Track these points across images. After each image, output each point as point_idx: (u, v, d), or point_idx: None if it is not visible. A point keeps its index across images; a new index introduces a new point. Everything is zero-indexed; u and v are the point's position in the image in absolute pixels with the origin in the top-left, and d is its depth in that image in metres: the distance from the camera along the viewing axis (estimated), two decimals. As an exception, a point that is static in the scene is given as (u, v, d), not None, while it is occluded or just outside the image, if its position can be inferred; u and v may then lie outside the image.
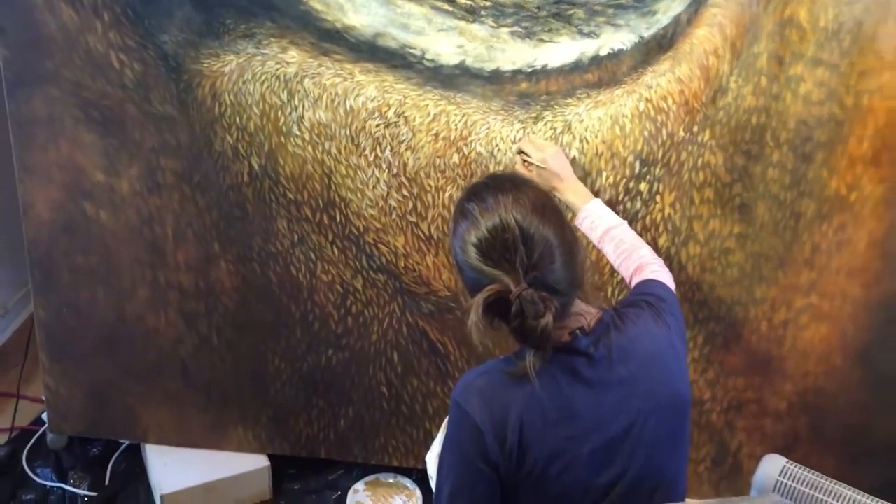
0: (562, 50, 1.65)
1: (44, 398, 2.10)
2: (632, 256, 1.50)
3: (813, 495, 1.54)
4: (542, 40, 1.66)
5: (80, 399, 2.04)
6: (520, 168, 1.65)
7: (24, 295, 2.68)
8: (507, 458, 1.15)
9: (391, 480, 2.10)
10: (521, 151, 1.66)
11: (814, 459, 1.74)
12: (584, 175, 1.71)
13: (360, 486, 2.08)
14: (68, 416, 2.07)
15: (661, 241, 1.75)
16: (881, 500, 1.50)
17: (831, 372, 1.80)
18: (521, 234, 1.13)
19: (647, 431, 1.18)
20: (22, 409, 2.30)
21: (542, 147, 1.65)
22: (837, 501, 1.52)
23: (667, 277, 1.43)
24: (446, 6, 1.66)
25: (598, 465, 1.18)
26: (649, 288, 1.37)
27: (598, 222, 1.57)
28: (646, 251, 1.51)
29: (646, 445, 1.18)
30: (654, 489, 1.21)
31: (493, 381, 1.18)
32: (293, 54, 1.71)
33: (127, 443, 2.17)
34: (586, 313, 1.22)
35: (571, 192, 1.62)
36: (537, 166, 1.62)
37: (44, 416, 2.18)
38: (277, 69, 1.72)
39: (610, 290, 1.79)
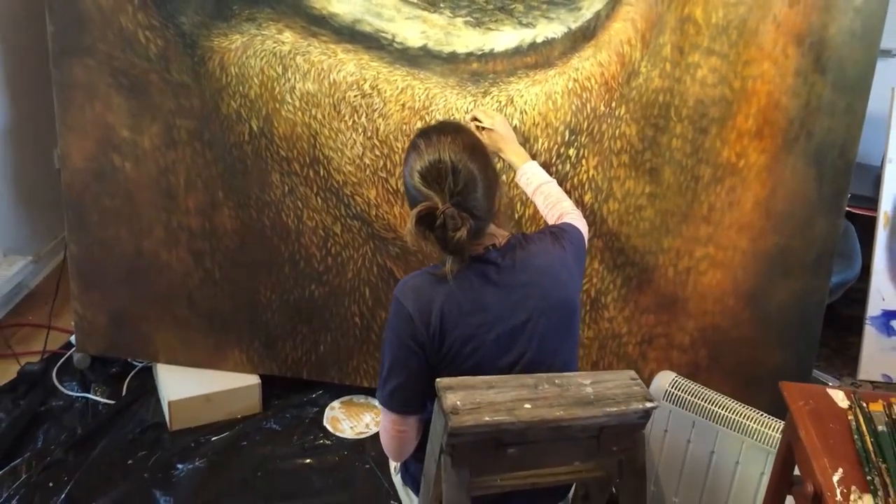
0: (505, 37, 2.02)
1: (73, 324, 2.48)
2: (555, 207, 1.84)
3: (692, 401, 1.91)
4: (489, 29, 2.02)
5: (103, 323, 2.41)
6: (473, 130, 2.01)
7: (54, 245, 3.06)
8: (431, 339, 1.51)
9: (362, 400, 2.47)
10: (474, 118, 2.02)
11: (713, 386, 2.07)
12: (524, 141, 2.07)
13: (336, 403, 2.45)
14: (93, 337, 2.44)
15: (587, 198, 2.11)
16: (740, 403, 1.87)
17: (726, 311, 2.15)
18: (451, 167, 1.48)
19: (541, 324, 1.54)
20: (52, 338, 2.69)
21: (491, 115, 2.01)
22: (708, 404, 1.88)
23: (580, 224, 1.78)
24: (412, -1, 2.03)
25: (501, 349, 1.53)
26: (558, 225, 1.74)
27: (532, 179, 1.92)
28: (567, 204, 1.86)
29: (539, 335, 1.54)
30: (547, 370, 1.56)
31: (423, 281, 1.54)
32: (287, 35, 2.08)
33: (141, 364, 2.55)
34: (499, 235, 1.57)
35: (513, 153, 1.97)
36: (487, 130, 1.98)
37: (72, 339, 2.57)
38: (274, 47, 2.09)
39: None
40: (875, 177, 2.80)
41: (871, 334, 2.67)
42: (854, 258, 2.54)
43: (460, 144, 1.52)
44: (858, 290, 2.71)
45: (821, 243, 2.04)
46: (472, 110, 2.05)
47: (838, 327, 2.80)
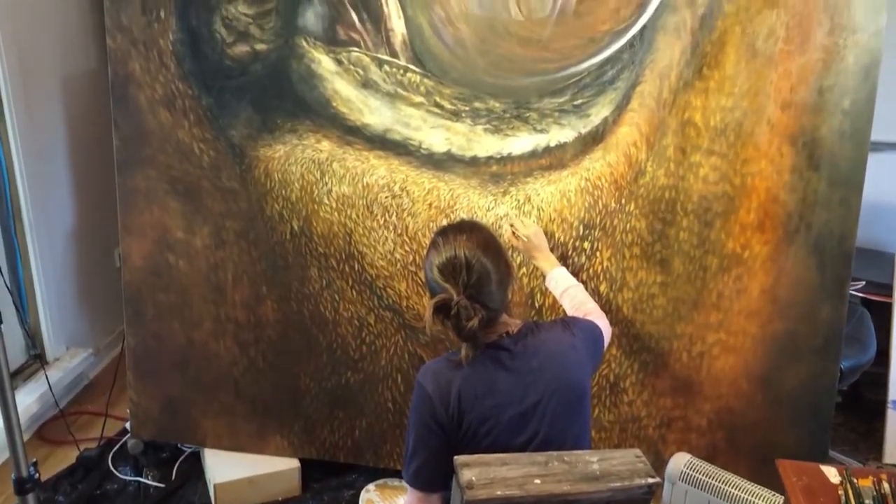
0: (522, 142, 2.22)
1: (128, 411, 2.66)
2: (581, 308, 1.99)
3: (707, 481, 2.00)
4: (507, 135, 2.22)
5: (155, 410, 2.59)
6: (509, 236, 2.17)
7: (113, 338, 3.28)
8: (450, 419, 1.65)
9: (396, 483, 2.57)
10: (512, 225, 2.20)
11: (732, 467, 2.15)
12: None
13: (371, 486, 2.55)
14: (146, 424, 2.61)
15: (602, 287, 2.25)
16: (752, 483, 1.95)
17: (740, 394, 2.24)
18: (465, 262, 1.65)
19: (551, 406, 1.66)
20: (109, 425, 2.87)
21: (528, 226, 2.18)
22: (721, 484, 1.97)
23: (602, 323, 1.90)
24: (436, 110, 2.24)
25: (515, 429, 1.66)
26: (571, 316, 1.89)
27: (560, 284, 2.08)
28: (592, 306, 2.01)
29: (550, 416, 1.66)
30: (558, 448, 1.68)
31: (442, 366, 1.69)
32: (325, 144, 2.31)
33: (190, 449, 2.71)
34: (512, 323, 1.73)
35: (544, 260, 2.15)
36: (522, 238, 2.16)
37: (127, 425, 2.75)
38: (313, 155, 2.31)
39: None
40: (891, 264, 2.89)
41: (894, 418, 2.71)
42: (868, 343, 2.62)
43: (475, 242, 1.69)
44: (882, 375, 2.77)
45: (827, 328, 2.14)
46: (511, 219, 2.22)
47: (864, 412, 2.84)
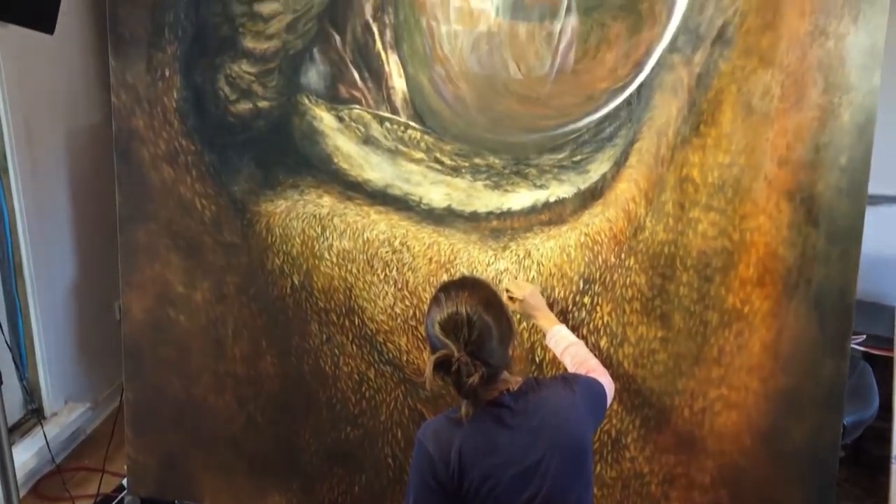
0: (521, 197, 2.23)
1: (126, 467, 2.64)
2: (582, 366, 1.98)
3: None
4: (507, 190, 2.24)
5: (153, 466, 2.57)
6: (506, 300, 2.17)
7: (111, 391, 3.26)
8: (451, 478, 1.63)
9: (396, 541, 2.55)
10: (507, 290, 2.20)
11: (736, 526, 2.14)
12: (542, 290, 2.24)
13: (370, 544, 2.53)
14: (144, 480, 2.59)
15: (603, 342, 2.25)
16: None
17: (743, 451, 2.22)
18: (467, 319, 1.65)
19: (553, 464, 1.65)
20: (105, 481, 2.84)
21: (523, 287, 2.18)
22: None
23: (604, 380, 1.89)
24: (437, 166, 2.26)
25: (517, 487, 1.65)
26: (572, 372, 1.88)
27: (560, 342, 2.08)
28: (594, 363, 1.99)
29: (552, 474, 1.65)
30: (560, 507, 1.67)
31: (442, 424, 1.68)
32: (326, 200, 2.32)
33: (187, 505, 2.68)
34: (513, 381, 1.72)
35: (543, 318, 2.14)
36: (519, 301, 2.16)
37: (124, 482, 2.72)
38: (314, 210, 2.33)
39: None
40: (892, 317, 2.89)
41: (898, 473, 2.69)
42: (871, 398, 2.60)
43: (476, 298, 1.69)
44: (886, 430, 2.75)
45: (829, 383, 2.13)
46: (506, 283, 2.22)
47: (868, 467, 2.82)
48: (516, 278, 2.22)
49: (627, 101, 2.14)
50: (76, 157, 2.96)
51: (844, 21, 1.97)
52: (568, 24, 2.13)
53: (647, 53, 2.11)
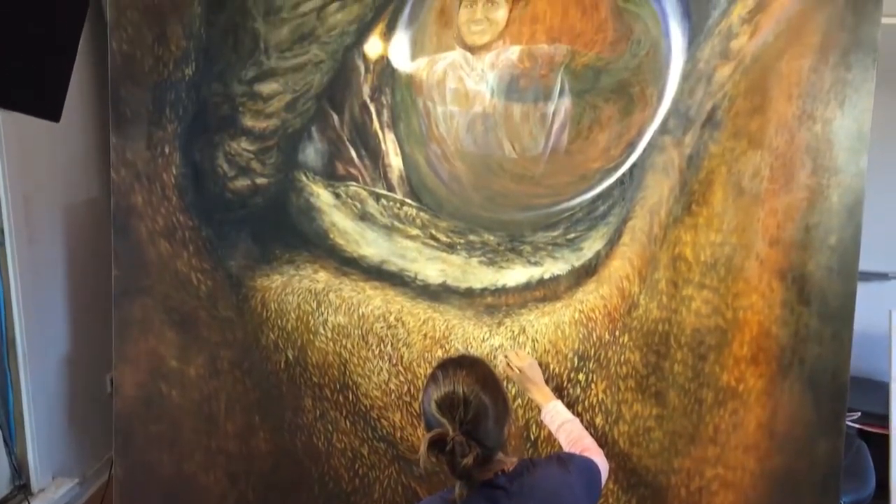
0: (516, 274, 2.25)
1: (111, 545, 2.58)
2: (577, 444, 1.97)
3: None
4: (501, 267, 2.26)
5: (140, 545, 2.52)
6: (504, 368, 2.18)
7: (100, 466, 3.21)
8: (445, 559, 1.61)
9: None
10: (506, 356, 2.20)
11: None
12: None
13: None
14: (130, 559, 2.54)
15: (598, 420, 2.24)
16: None
17: (741, 532, 2.20)
18: (463, 399, 1.65)
19: (549, 545, 1.64)
20: (90, 559, 2.78)
21: (523, 358, 2.19)
22: None
23: (598, 459, 1.88)
24: (432, 242, 2.28)
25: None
26: (567, 451, 1.87)
27: (556, 418, 2.07)
28: (589, 441, 1.98)
29: (548, 555, 1.63)
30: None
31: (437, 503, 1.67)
32: (322, 275, 2.34)
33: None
34: (508, 462, 1.71)
35: (539, 393, 2.14)
36: (518, 371, 2.16)
37: (109, 560, 2.66)
38: (310, 285, 2.34)
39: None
40: (886, 393, 2.89)
41: (898, 553, 2.65)
42: (867, 476, 2.58)
43: (474, 378, 1.69)
44: (884, 508, 2.73)
45: (825, 463, 2.12)
46: (506, 350, 2.23)
47: (867, 546, 2.78)
48: (517, 351, 2.22)
49: (620, 181, 2.18)
50: (73, 230, 2.97)
51: (831, 106, 2.03)
52: (561, 106, 2.18)
53: (639, 135, 2.16)
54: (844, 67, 2.00)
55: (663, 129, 2.13)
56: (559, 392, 2.20)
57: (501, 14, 2.18)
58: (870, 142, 2.02)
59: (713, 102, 2.09)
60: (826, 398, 2.10)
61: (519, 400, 2.25)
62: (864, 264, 2.10)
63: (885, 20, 2.05)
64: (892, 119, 2.77)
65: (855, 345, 2.10)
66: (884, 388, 2.96)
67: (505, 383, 2.14)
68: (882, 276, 2.94)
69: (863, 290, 2.10)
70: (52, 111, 1.39)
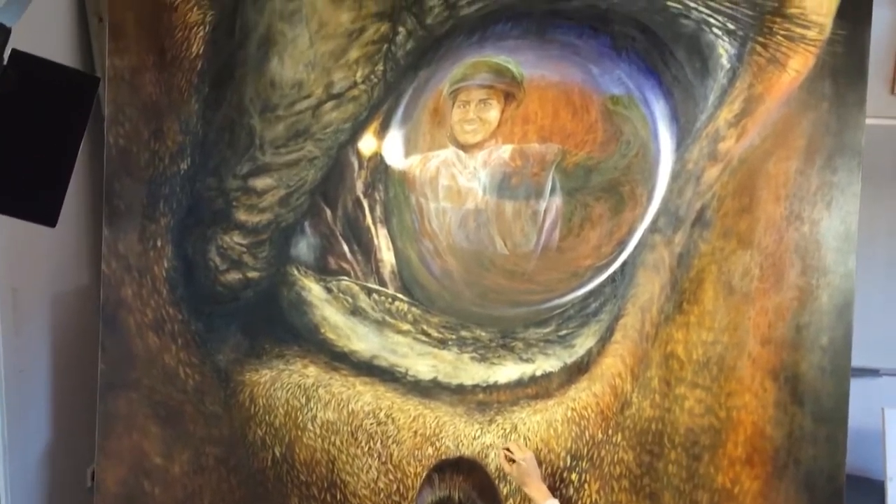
0: (508, 371, 2.23)
1: None
2: None
3: None
4: (493, 363, 2.24)
5: None
6: (502, 461, 2.13)
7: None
8: None
9: None
10: (506, 448, 2.16)
11: None
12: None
13: None
14: None
15: (591, 522, 2.19)
16: None
17: None
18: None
19: None
20: None
21: (523, 451, 2.14)
22: None
23: None
24: (424, 338, 2.27)
25: None
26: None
27: None
28: None
29: None
30: None
31: None
32: (311, 370, 2.31)
33: None
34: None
35: (536, 489, 2.08)
36: (516, 463, 2.12)
37: None
38: (299, 380, 2.31)
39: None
40: (881, 492, 2.84)
41: None
42: (866, 580, 2.52)
43: (471, 483, 1.67)
44: None
45: (824, 569, 2.08)
46: (507, 441, 2.19)
47: None
48: (518, 443, 2.18)
49: (611, 279, 2.19)
50: (60, 320, 2.94)
51: (818, 207, 2.06)
52: (553, 204, 2.21)
53: (630, 233, 2.18)
54: (830, 170, 2.05)
55: (653, 228, 2.16)
56: (552, 492, 2.16)
57: (494, 114, 2.22)
58: (858, 236, 2.05)
59: (702, 202, 2.12)
60: (822, 501, 2.07)
61: (511, 500, 2.21)
62: (855, 360, 2.10)
63: (868, 121, 2.11)
64: (878, 213, 2.80)
65: (849, 442, 2.08)
66: (879, 486, 2.92)
67: (499, 481, 2.11)
68: (873, 372, 2.93)
69: (854, 387, 2.10)
70: (48, 217, 1.39)
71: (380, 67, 2.24)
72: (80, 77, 1.37)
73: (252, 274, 2.32)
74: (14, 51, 1.24)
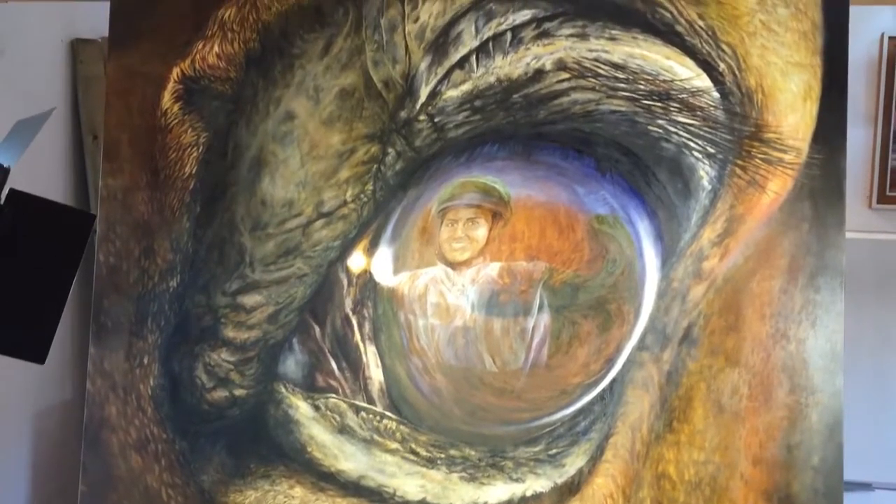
0: (498, 491, 2.19)
1: None
2: None
3: None
4: (482, 483, 2.21)
5: None
6: None
7: None
8: None
9: None
10: None
11: None
12: (520, 592, 2.14)
13: None
14: None
15: None
16: None
17: None
18: None
19: None
20: None
21: None
22: None
23: None
24: (412, 457, 2.24)
25: None
26: None
27: None
28: None
29: None
30: None
31: None
32: (297, 490, 2.26)
33: None
34: None
35: None
36: None
37: None
38: (285, 501, 2.26)
39: None
40: None
41: None
42: None
43: None
44: None
45: None
46: None
47: None
48: None
49: (601, 396, 2.18)
50: (41, 437, 2.90)
51: (803, 326, 2.08)
52: (541, 321, 2.22)
53: (618, 350, 2.19)
54: (813, 289, 2.08)
55: (641, 346, 2.17)
56: None
57: (482, 232, 2.25)
58: (845, 348, 2.07)
59: (689, 320, 2.14)
60: None
61: None
62: (848, 474, 2.09)
63: (849, 235, 2.15)
64: (864, 326, 2.84)
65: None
66: None
67: None
68: (866, 486, 2.91)
69: (847, 501, 2.07)
70: (37, 354, 1.39)
71: (369, 187, 2.28)
72: (75, 215, 1.39)
73: (239, 392, 2.30)
74: (12, 190, 1.26)
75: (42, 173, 2.75)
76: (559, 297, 2.23)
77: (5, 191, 1.21)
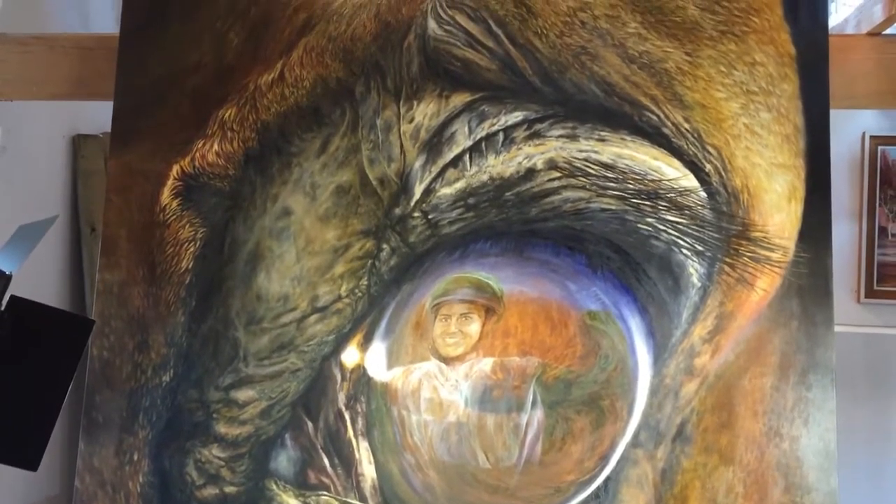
0: None
1: None
2: None
3: None
4: (476, 585, 2.17)
5: None
6: None
7: None
8: None
9: None
10: None
11: None
12: None
13: None
14: None
15: None
16: None
17: None
18: None
19: None
20: None
21: None
22: None
23: None
24: (404, 557, 2.21)
25: None
26: None
27: None
28: None
29: None
30: None
31: None
32: (287, 592, 2.22)
33: None
34: None
35: None
36: None
37: None
38: None
39: None
40: None
41: None
42: None
43: None
44: None
45: None
46: None
47: None
48: None
49: (595, 494, 2.16)
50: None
51: (796, 423, 2.09)
52: (534, 417, 2.22)
53: (612, 447, 2.18)
54: (805, 387, 2.09)
55: (635, 442, 2.16)
56: None
57: (475, 328, 2.27)
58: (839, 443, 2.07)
59: (682, 417, 2.14)
60: None
61: None
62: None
63: (838, 328, 2.18)
64: (856, 420, 2.84)
65: None
66: None
67: None
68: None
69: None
70: (30, 461, 1.38)
71: (364, 282, 2.31)
72: (76, 322, 1.41)
73: (229, 489, 2.27)
74: (13, 297, 1.28)
75: (38, 262, 2.77)
76: (552, 392, 2.24)
77: (6, 298, 1.23)
